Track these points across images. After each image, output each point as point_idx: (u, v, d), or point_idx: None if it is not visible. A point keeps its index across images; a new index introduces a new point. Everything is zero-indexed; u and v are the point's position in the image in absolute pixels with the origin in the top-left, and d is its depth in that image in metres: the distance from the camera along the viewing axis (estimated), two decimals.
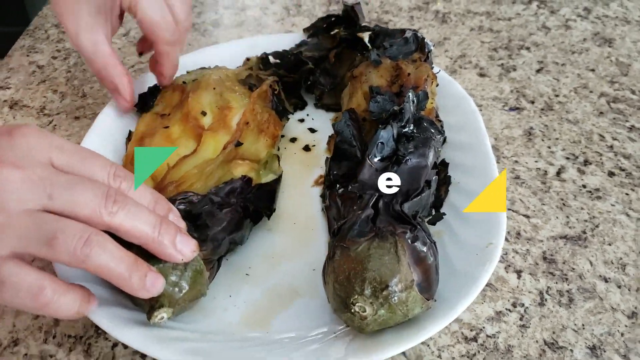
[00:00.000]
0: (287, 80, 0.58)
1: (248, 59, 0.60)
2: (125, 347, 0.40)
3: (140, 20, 0.48)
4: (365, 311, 0.35)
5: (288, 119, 0.57)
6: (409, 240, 0.37)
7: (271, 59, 0.60)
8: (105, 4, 0.47)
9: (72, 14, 0.46)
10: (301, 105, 0.59)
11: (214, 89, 0.50)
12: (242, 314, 0.41)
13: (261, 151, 0.49)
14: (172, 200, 0.40)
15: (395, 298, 0.35)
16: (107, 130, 0.51)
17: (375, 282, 0.35)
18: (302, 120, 0.58)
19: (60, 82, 0.66)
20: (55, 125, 0.60)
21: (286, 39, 0.64)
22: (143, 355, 0.40)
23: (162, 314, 0.36)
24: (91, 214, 0.32)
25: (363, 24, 0.60)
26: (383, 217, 0.39)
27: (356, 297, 0.35)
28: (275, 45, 0.62)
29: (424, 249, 0.37)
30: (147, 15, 0.47)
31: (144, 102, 0.53)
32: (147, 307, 0.36)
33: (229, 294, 0.42)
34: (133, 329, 0.37)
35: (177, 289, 0.37)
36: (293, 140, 0.56)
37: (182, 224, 0.38)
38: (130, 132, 0.52)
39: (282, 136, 0.55)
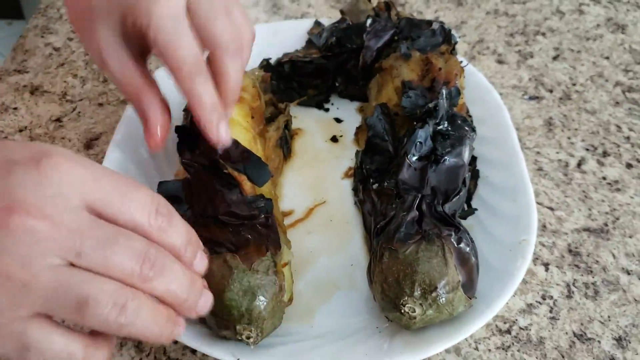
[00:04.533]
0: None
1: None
2: (176, 342, 0.42)
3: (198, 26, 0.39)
4: (414, 312, 0.37)
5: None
6: (455, 243, 0.39)
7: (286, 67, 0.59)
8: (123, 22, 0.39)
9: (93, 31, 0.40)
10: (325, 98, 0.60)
11: None
12: (287, 309, 0.43)
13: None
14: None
15: (443, 299, 0.37)
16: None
17: (424, 284, 0.37)
18: (327, 110, 0.59)
19: (79, 66, 0.66)
20: (80, 112, 0.60)
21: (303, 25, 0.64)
22: (193, 351, 0.42)
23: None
24: (124, 277, 0.29)
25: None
26: (428, 219, 0.40)
27: (406, 298, 0.37)
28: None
29: (468, 249, 0.39)
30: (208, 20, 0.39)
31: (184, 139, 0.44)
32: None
33: None
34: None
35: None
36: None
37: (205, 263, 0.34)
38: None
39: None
